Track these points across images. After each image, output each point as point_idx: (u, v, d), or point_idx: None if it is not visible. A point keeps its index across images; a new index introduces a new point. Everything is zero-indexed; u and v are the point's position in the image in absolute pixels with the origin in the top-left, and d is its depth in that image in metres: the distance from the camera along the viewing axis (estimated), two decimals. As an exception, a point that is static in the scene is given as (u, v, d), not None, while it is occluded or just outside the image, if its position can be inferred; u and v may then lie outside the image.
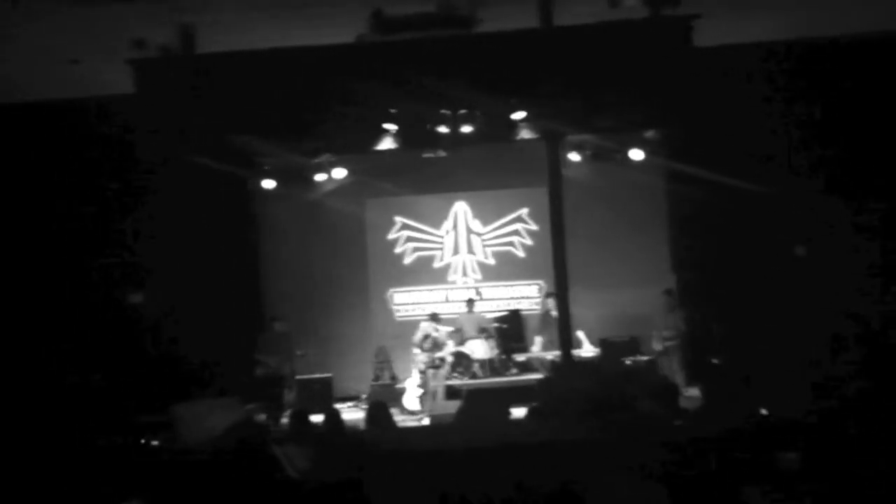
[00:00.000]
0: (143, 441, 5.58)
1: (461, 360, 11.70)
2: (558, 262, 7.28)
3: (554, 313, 11.65)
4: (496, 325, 12.41)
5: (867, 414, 5.23)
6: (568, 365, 9.17)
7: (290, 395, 11.22)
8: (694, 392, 10.47)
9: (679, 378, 10.84)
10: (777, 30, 10.26)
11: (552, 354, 11.41)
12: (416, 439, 6.68)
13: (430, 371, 11.29)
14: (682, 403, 6.67)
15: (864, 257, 10.79)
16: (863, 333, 10.22)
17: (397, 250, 13.20)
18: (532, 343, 12.21)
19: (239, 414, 6.07)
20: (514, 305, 13.01)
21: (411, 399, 11.35)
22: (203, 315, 10.76)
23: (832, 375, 7.18)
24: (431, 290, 13.15)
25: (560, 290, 7.21)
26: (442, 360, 11.38)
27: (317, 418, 6.70)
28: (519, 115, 10.24)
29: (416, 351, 11.63)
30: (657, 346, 11.41)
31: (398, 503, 4.14)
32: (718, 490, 4.19)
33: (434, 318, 11.84)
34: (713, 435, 4.93)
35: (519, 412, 7.44)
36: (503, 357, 12.18)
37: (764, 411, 5.96)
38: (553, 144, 8.22)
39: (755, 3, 9.61)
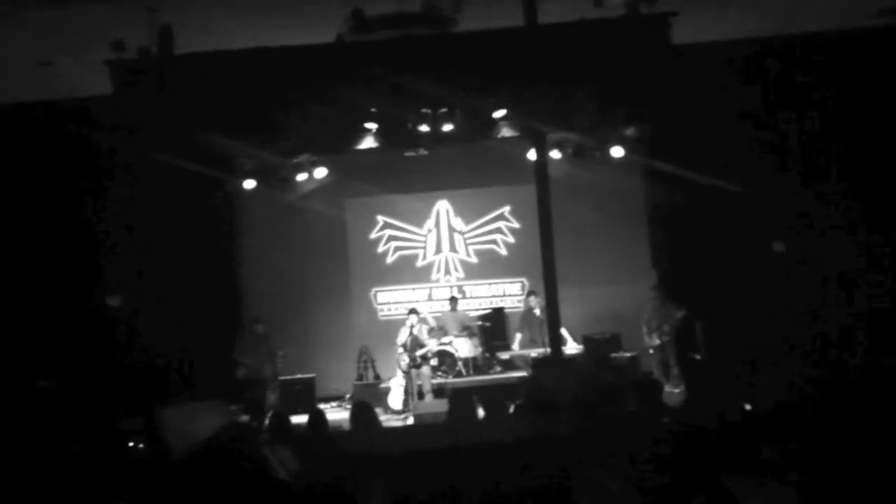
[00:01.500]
0: (128, 445, 5.55)
1: (445, 359, 11.68)
2: (547, 260, 7.28)
3: (536, 311, 11.67)
4: (479, 323, 12.42)
5: (849, 406, 5.28)
6: (552, 362, 9.18)
7: (272, 397, 11.17)
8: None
9: (675, 372, 10.85)
10: (756, 26, 10.32)
11: (535, 352, 11.43)
12: (400, 439, 6.67)
13: (413, 371, 11.23)
14: (670, 398, 6.71)
15: (842, 254, 10.90)
16: (842, 328, 10.34)
17: (380, 249, 13.18)
18: (513, 341, 12.24)
19: (226, 416, 6.04)
20: (497, 303, 13.04)
21: (396, 399, 11.31)
22: (183, 317, 10.69)
23: (814, 369, 7.25)
24: (415, 288, 13.15)
25: (549, 287, 7.25)
26: (423, 357, 11.33)
27: (299, 419, 6.67)
28: (499, 114, 10.26)
29: (400, 351, 11.53)
30: (651, 341, 11.21)
31: (385, 502, 4.14)
32: (704, 484, 4.20)
33: (413, 312, 11.72)
34: (698, 429, 4.96)
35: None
36: (487, 355, 12.20)
37: (748, 406, 6.00)
38: (540, 141, 8.24)
39: (733, 0, 9.69)
